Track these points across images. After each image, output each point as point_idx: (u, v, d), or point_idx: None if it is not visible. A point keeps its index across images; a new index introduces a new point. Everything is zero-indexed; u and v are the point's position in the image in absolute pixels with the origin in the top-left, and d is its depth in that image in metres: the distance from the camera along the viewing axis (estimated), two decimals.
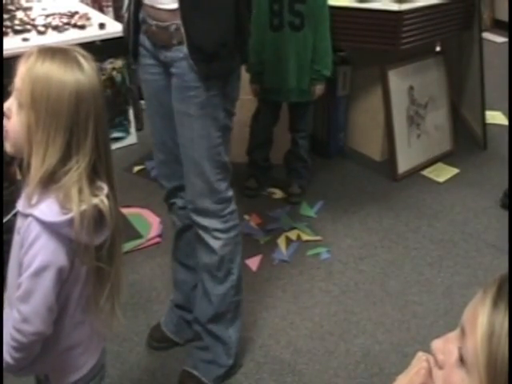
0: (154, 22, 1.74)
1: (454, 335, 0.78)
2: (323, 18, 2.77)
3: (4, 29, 2.48)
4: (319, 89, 2.88)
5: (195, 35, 1.68)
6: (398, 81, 3.28)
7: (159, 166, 2.01)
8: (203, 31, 1.68)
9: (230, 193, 1.92)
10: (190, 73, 1.72)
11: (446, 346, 0.78)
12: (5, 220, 1.78)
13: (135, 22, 1.81)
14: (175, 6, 1.67)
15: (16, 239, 1.20)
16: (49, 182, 1.14)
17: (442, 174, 3.40)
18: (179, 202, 2.03)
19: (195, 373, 2.06)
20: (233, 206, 1.93)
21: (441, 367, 0.78)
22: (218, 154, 1.83)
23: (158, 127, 1.94)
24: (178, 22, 1.68)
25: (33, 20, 2.63)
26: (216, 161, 1.83)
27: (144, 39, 1.82)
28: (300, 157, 3.10)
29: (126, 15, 1.84)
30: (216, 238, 1.92)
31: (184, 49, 1.71)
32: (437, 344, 0.80)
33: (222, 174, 1.86)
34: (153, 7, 1.72)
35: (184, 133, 1.81)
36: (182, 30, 1.68)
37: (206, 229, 1.91)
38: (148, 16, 1.76)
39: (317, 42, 2.79)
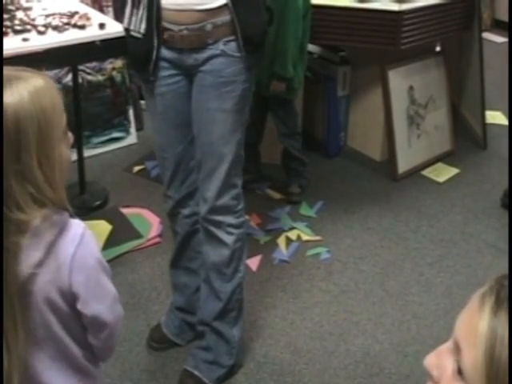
0: (184, 27, 1.71)
1: (446, 348, 0.77)
2: (285, 17, 2.73)
3: (4, 29, 2.47)
4: (274, 85, 2.85)
5: (248, 26, 1.73)
6: (398, 81, 3.28)
7: (170, 179, 1.99)
8: (253, 22, 1.75)
9: (241, 189, 1.95)
10: (228, 68, 1.75)
11: (439, 361, 0.76)
12: None
13: (157, 33, 1.74)
14: (217, 3, 1.69)
15: None
16: None
17: (442, 173, 3.40)
18: (185, 211, 2.03)
19: (196, 373, 2.06)
20: (243, 203, 1.97)
21: (437, 382, 0.76)
22: (241, 148, 1.89)
23: (171, 139, 1.92)
24: (215, 20, 1.70)
25: (33, 20, 2.63)
26: (238, 155, 1.88)
27: (162, 50, 1.77)
28: (292, 156, 3.11)
29: (135, 28, 1.75)
30: (229, 234, 1.94)
31: (220, 45, 1.73)
32: (430, 360, 0.78)
33: (238, 168, 1.91)
34: (186, 10, 1.70)
35: (215, 130, 1.81)
36: (236, 23, 1.71)
37: (220, 224, 1.92)
38: (172, 23, 1.72)
39: (277, 40, 2.78)
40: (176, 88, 1.84)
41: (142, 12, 1.73)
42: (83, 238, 1.13)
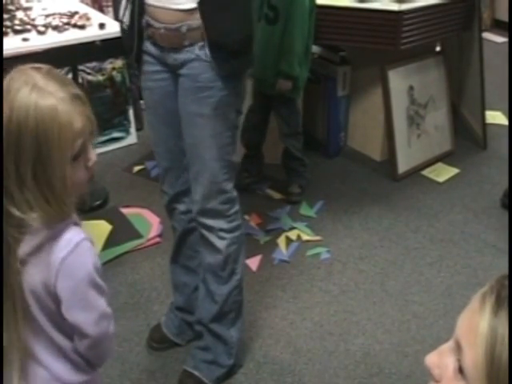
0: (163, 25, 1.71)
1: (447, 347, 0.77)
2: (292, 15, 2.74)
3: (4, 29, 2.48)
4: (280, 83, 2.84)
5: (217, 34, 1.67)
6: (398, 81, 3.28)
7: (163, 174, 2.00)
8: (226, 29, 1.67)
9: (235, 193, 1.92)
10: (204, 73, 1.71)
11: (440, 360, 0.77)
12: None
13: (139, 27, 1.78)
14: (190, 5, 1.65)
15: None
16: None
17: (442, 173, 3.40)
18: (181, 207, 2.03)
19: (196, 373, 2.06)
20: (237, 206, 1.94)
21: (438, 381, 0.77)
22: (227, 153, 1.84)
23: (162, 135, 1.92)
24: (191, 22, 1.67)
25: (33, 20, 2.63)
26: (225, 160, 1.84)
27: (148, 45, 1.79)
28: (293, 156, 3.11)
29: (125, 20, 1.80)
30: (221, 238, 1.92)
31: (196, 49, 1.70)
32: (431, 359, 0.78)
33: (228, 173, 1.87)
34: (163, 8, 1.69)
35: (195, 133, 1.80)
36: (202, 29, 1.66)
37: (211, 229, 1.91)
38: (154, 19, 1.73)
39: (284, 38, 2.78)
40: (163, 85, 1.83)
41: (128, 7, 1.78)
42: (77, 246, 1.13)
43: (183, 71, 1.75)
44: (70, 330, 1.20)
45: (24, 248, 1.11)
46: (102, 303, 1.20)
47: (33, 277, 1.12)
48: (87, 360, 1.25)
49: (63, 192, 1.11)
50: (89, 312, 1.18)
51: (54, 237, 1.12)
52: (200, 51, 1.70)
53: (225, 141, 1.81)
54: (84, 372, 1.26)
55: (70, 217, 1.14)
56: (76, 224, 1.16)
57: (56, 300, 1.15)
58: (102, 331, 1.21)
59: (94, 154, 1.17)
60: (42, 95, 1.06)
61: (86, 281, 1.15)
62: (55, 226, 1.12)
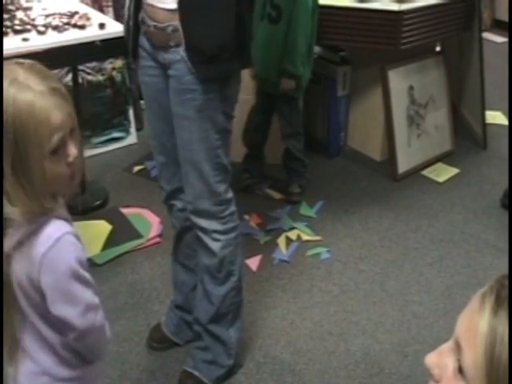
0: (153, 23, 1.73)
1: (447, 347, 0.77)
2: (295, 15, 2.75)
3: (4, 29, 2.48)
4: (284, 82, 2.85)
5: (194, 37, 1.67)
6: (398, 81, 3.28)
7: (160, 169, 2.00)
8: (202, 33, 1.66)
9: (230, 194, 1.91)
10: (187, 75, 1.71)
11: (440, 360, 0.77)
12: None
13: (135, 22, 1.80)
14: (174, 6, 1.66)
15: None
16: None
17: (442, 174, 3.40)
18: (178, 204, 2.02)
19: (196, 373, 2.06)
20: (232, 208, 1.93)
21: (437, 381, 0.77)
22: (217, 156, 1.82)
23: (157, 130, 1.93)
24: (175, 23, 1.67)
25: (33, 20, 2.63)
26: (215, 163, 1.83)
27: (143, 40, 1.81)
28: (293, 156, 3.11)
29: (125, 14, 1.83)
30: (215, 240, 1.91)
31: (181, 51, 1.70)
32: (431, 359, 0.78)
33: (221, 175, 1.85)
34: (153, 6, 1.71)
35: (183, 135, 1.80)
36: (181, 31, 1.67)
37: (205, 230, 1.91)
38: (147, 16, 1.75)
39: (287, 37, 2.78)
40: (157, 81, 1.84)
41: (128, 1, 1.81)
42: (58, 242, 1.13)
43: (171, 72, 1.76)
44: (57, 324, 1.20)
45: (8, 242, 1.11)
46: (87, 295, 1.19)
47: (18, 271, 1.13)
48: (78, 354, 1.25)
49: (43, 186, 1.10)
50: (73, 305, 1.17)
51: (34, 231, 1.12)
52: (184, 53, 1.70)
53: (213, 144, 1.80)
54: (74, 367, 1.25)
55: (51, 211, 1.13)
56: (59, 218, 1.15)
57: (41, 294, 1.15)
58: (90, 323, 1.20)
59: (75, 150, 1.14)
60: (20, 89, 1.06)
61: (67, 275, 1.14)
62: (36, 221, 1.12)
